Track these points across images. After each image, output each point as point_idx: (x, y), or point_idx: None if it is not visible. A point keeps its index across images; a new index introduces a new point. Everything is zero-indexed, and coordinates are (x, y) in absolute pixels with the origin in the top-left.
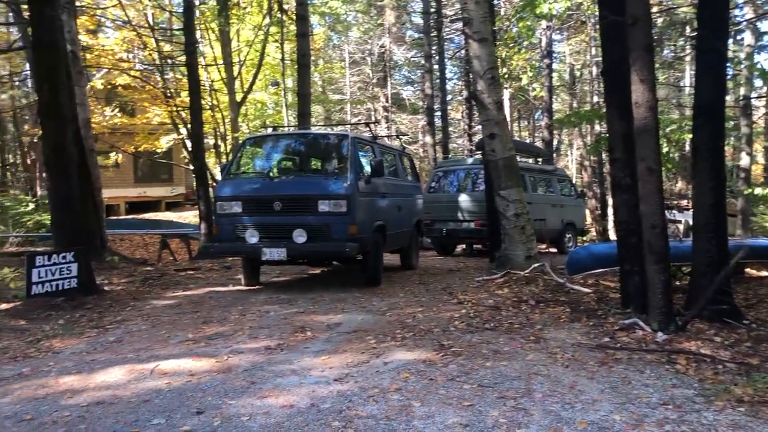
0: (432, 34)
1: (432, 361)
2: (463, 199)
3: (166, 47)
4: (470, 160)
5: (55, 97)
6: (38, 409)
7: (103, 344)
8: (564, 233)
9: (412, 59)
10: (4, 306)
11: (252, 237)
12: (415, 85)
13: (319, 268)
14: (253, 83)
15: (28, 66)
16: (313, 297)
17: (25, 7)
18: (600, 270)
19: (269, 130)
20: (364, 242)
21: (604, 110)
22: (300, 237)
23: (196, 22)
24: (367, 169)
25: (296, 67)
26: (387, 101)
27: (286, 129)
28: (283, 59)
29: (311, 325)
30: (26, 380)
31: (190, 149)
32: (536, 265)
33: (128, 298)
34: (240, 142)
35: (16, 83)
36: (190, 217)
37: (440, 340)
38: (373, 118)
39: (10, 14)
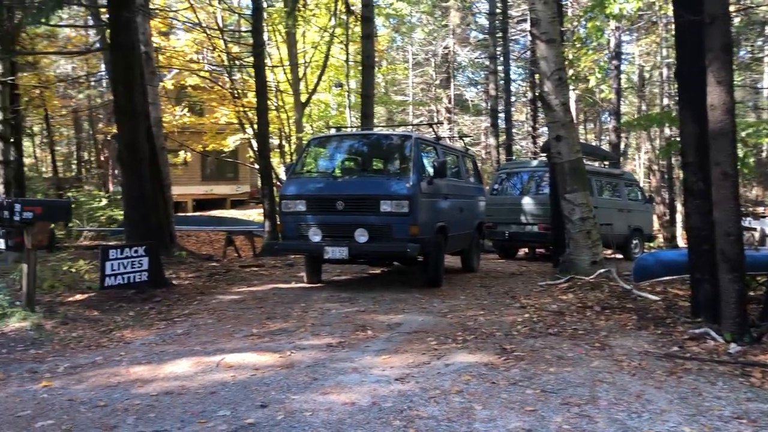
0: (497, 35)
1: (494, 365)
2: (527, 202)
3: (234, 49)
4: (534, 163)
5: (129, 96)
6: (110, 397)
7: (172, 336)
8: (630, 239)
9: (475, 60)
10: (78, 297)
11: (315, 235)
12: (478, 87)
13: (379, 267)
14: (317, 84)
15: (103, 67)
16: (374, 296)
17: (103, 10)
18: (668, 277)
19: (333, 131)
20: (426, 243)
21: (676, 113)
22: (362, 236)
23: (263, 24)
24: (430, 169)
25: (360, 68)
26: (450, 102)
27: (349, 129)
28: (347, 60)
29: (372, 324)
30: (99, 368)
31: (255, 149)
32: (602, 270)
33: (195, 293)
34: (305, 142)
35: (92, 83)
36: (254, 214)
37: (502, 344)
38: (435, 120)
39: (89, 18)
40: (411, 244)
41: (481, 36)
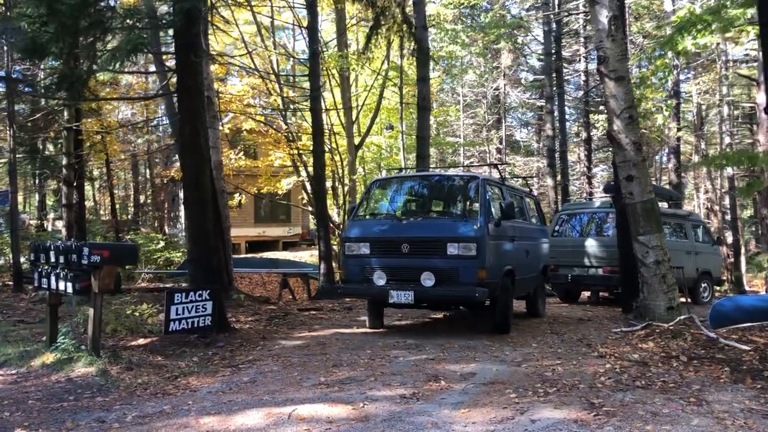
0: (552, 75)
1: (584, 421)
2: (591, 244)
3: (289, 93)
4: (597, 203)
5: (195, 137)
6: None
7: (238, 384)
8: (699, 282)
9: (527, 101)
10: (141, 341)
11: (380, 279)
12: (529, 127)
13: (441, 312)
14: (370, 126)
15: (161, 112)
16: (441, 343)
17: (166, 56)
18: (747, 324)
19: (394, 172)
20: (494, 287)
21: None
22: (428, 280)
23: (320, 68)
24: (496, 211)
25: (413, 110)
26: (501, 143)
27: (408, 171)
28: (401, 102)
29: (444, 373)
30: (168, 418)
31: (309, 191)
32: (682, 317)
33: (257, 337)
34: (360, 184)
35: (151, 129)
36: (305, 256)
37: (589, 398)
38: (487, 160)
39: (151, 64)
40: (479, 288)
41: (531, 77)
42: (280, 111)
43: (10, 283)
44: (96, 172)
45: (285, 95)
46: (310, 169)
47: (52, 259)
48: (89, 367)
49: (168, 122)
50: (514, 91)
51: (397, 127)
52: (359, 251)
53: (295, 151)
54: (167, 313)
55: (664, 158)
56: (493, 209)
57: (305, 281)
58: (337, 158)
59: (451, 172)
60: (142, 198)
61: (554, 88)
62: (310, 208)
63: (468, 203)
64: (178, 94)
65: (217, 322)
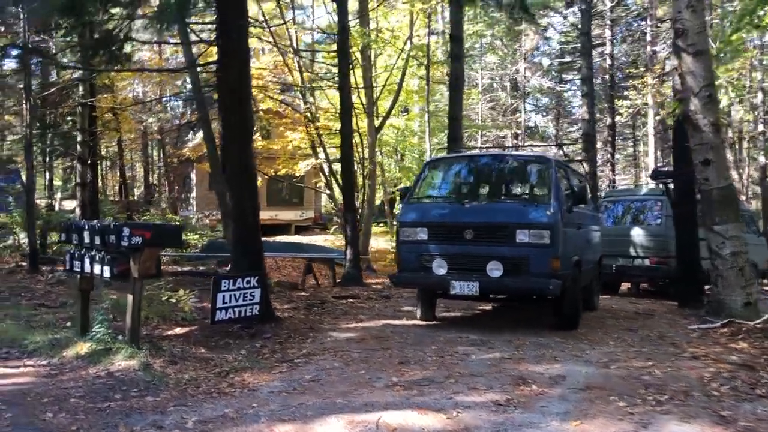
0: (589, 56)
1: None
2: (637, 234)
3: (307, 72)
4: (643, 190)
5: (241, 112)
6: None
7: (301, 383)
8: None
9: (546, 85)
10: (178, 330)
11: (440, 268)
12: (547, 113)
13: (488, 303)
14: (392, 108)
15: (170, 90)
16: (508, 340)
17: (197, 26)
18: None
19: (440, 153)
20: (565, 278)
21: None
22: (495, 270)
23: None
24: (566, 196)
25: (436, 92)
26: (520, 128)
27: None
28: (428, 82)
29: (530, 376)
30: (235, 425)
31: (326, 173)
32: None
33: (304, 328)
34: (424, 162)
35: (164, 106)
36: (319, 240)
37: (714, 409)
38: (504, 145)
39: (169, 37)
40: (553, 280)
41: (548, 62)
42: (300, 90)
43: (23, 263)
44: (104, 152)
45: (312, 72)
46: (330, 150)
47: (86, 240)
48: (130, 360)
49: (185, 99)
50: (534, 75)
51: (413, 110)
52: (416, 237)
53: (314, 132)
54: (213, 302)
55: None
56: (564, 194)
57: (331, 267)
58: (357, 140)
59: (521, 152)
60: (152, 179)
61: (591, 70)
62: (327, 191)
63: (539, 186)
64: (220, 63)
65: (264, 312)
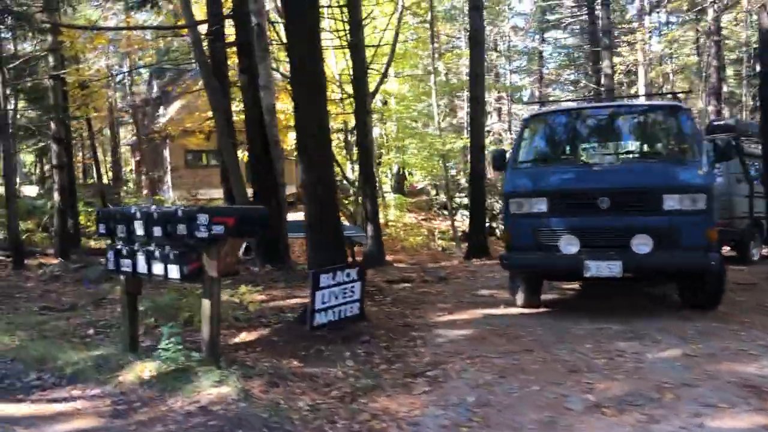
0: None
1: None
2: None
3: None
4: None
5: (315, 64)
6: None
7: (469, 409)
8: None
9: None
10: (246, 336)
11: (569, 245)
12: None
13: (579, 282)
14: (387, 69)
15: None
16: (661, 327)
17: None
18: None
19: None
20: (720, 251)
21: None
22: (643, 246)
23: None
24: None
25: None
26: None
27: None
28: (432, 40)
29: (750, 379)
30: None
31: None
32: None
33: (398, 326)
34: (522, 120)
35: (133, 79)
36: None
37: None
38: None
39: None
40: (712, 254)
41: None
42: None
43: (4, 258)
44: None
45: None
46: (354, 113)
47: (139, 232)
48: (220, 385)
49: (175, 67)
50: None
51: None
52: (531, 209)
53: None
54: (312, 302)
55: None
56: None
57: (350, 247)
58: (349, 108)
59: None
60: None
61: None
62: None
63: (677, 141)
64: (288, 9)
65: (360, 310)
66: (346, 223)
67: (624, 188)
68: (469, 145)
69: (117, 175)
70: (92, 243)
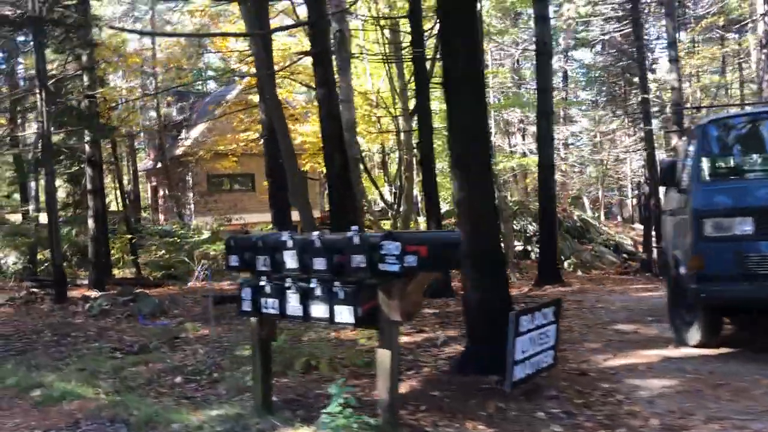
0: None
1: None
2: None
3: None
4: None
5: (474, 64)
6: None
7: None
8: None
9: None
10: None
11: None
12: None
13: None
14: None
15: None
16: None
17: None
18: None
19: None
20: None
21: None
22: None
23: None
24: None
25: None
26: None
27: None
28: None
29: None
30: None
31: (365, 167)
32: None
33: (571, 374)
34: (694, 126)
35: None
36: None
37: None
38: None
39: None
40: None
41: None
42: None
43: (35, 290)
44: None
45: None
46: (417, 129)
47: (290, 265)
48: None
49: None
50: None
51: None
52: (733, 230)
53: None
54: (512, 352)
55: None
56: None
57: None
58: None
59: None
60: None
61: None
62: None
63: None
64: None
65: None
66: None
67: None
68: (523, 164)
69: (137, 202)
70: (116, 272)
